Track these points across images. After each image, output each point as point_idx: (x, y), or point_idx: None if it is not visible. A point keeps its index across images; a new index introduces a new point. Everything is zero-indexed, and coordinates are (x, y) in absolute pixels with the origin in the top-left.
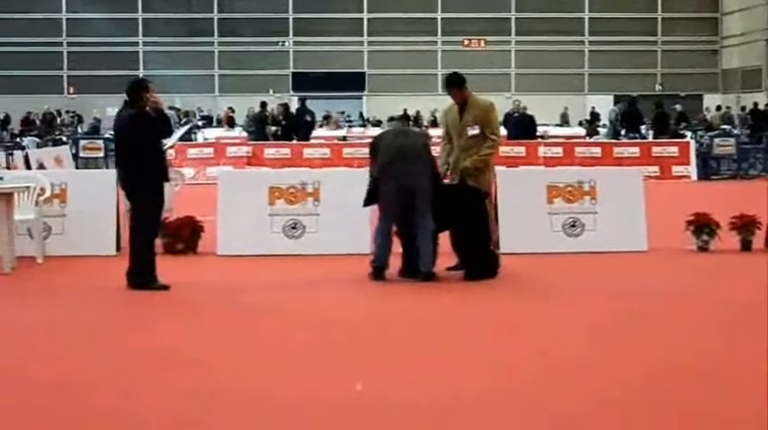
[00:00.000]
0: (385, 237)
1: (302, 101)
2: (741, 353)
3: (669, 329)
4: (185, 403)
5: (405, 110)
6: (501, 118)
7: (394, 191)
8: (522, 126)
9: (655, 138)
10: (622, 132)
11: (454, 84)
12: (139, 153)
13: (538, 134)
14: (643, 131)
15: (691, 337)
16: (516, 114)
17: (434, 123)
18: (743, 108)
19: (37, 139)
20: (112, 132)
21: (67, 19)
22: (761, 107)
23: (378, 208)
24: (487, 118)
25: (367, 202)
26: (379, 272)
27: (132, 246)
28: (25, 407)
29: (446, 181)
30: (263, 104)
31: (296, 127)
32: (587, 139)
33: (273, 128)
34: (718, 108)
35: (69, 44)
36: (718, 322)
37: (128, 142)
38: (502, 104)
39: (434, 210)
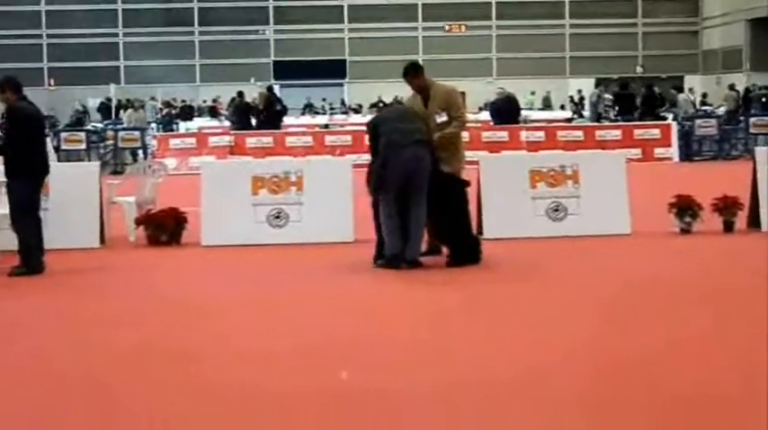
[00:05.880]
0: (392, 220)
1: (269, 89)
2: (726, 333)
3: (658, 312)
4: (172, 397)
5: (379, 97)
6: (484, 105)
7: (401, 173)
8: (506, 109)
9: (639, 119)
10: (612, 116)
11: (407, 73)
12: None
13: (520, 119)
14: (636, 115)
15: (680, 319)
16: (499, 100)
17: None
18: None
19: None
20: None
21: (47, 11)
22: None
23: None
24: (451, 101)
25: (377, 187)
26: (396, 259)
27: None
28: (8, 405)
29: None
30: (240, 93)
31: (268, 116)
32: (571, 122)
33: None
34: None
35: (49, 36)
36: (705, 303)
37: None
38: (483, 89)
39: None
